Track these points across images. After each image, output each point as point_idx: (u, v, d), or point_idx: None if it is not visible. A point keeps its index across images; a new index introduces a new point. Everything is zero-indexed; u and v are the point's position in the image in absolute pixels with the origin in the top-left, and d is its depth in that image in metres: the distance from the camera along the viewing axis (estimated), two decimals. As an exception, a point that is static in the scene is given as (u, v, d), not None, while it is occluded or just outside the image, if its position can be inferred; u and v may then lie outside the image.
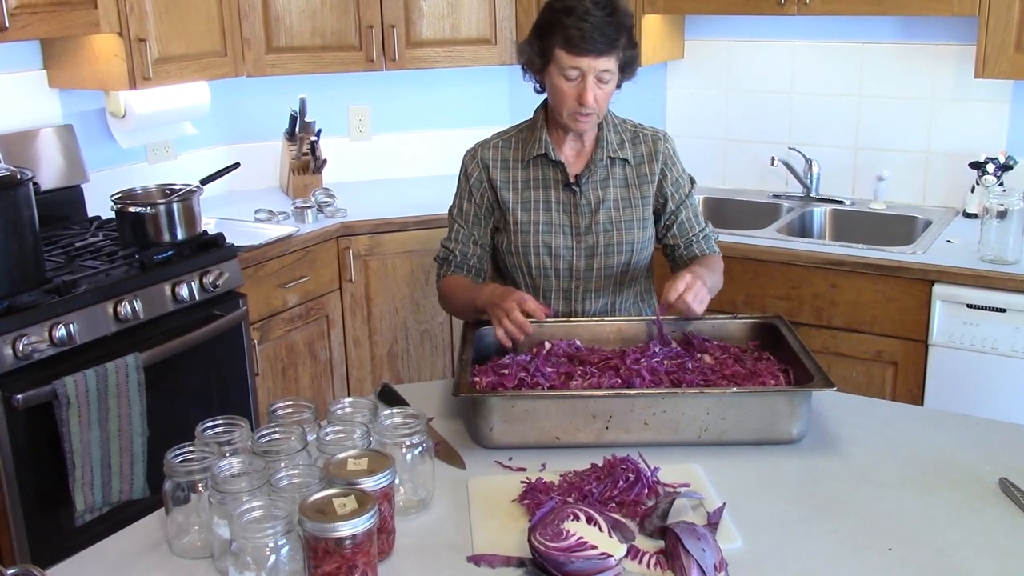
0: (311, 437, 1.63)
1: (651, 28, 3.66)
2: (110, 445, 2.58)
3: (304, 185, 3.82)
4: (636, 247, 2.32)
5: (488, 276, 2.41)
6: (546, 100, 2.30)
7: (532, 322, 2.05)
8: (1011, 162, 3.30)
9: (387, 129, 4.21)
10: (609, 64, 2.15)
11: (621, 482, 1.67)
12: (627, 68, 2.22)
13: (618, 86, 2.29)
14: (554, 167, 2.30)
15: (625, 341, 2.15)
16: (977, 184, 3.36)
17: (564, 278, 2.32)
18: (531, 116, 2.35)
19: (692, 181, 2.41)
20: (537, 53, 2.21)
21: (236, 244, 3.11)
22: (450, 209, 2.41)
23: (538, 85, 2.30)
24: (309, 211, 3.53)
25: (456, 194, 2.40)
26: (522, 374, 1.94)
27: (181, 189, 3.05)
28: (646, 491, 1.66)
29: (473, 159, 2.36)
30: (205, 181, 3.14)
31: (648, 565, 1.48)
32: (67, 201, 3.27)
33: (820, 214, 3.67)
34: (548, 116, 2.31)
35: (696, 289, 2.07)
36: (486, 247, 2.38)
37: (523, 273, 2.34)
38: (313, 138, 3.87)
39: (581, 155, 2.31)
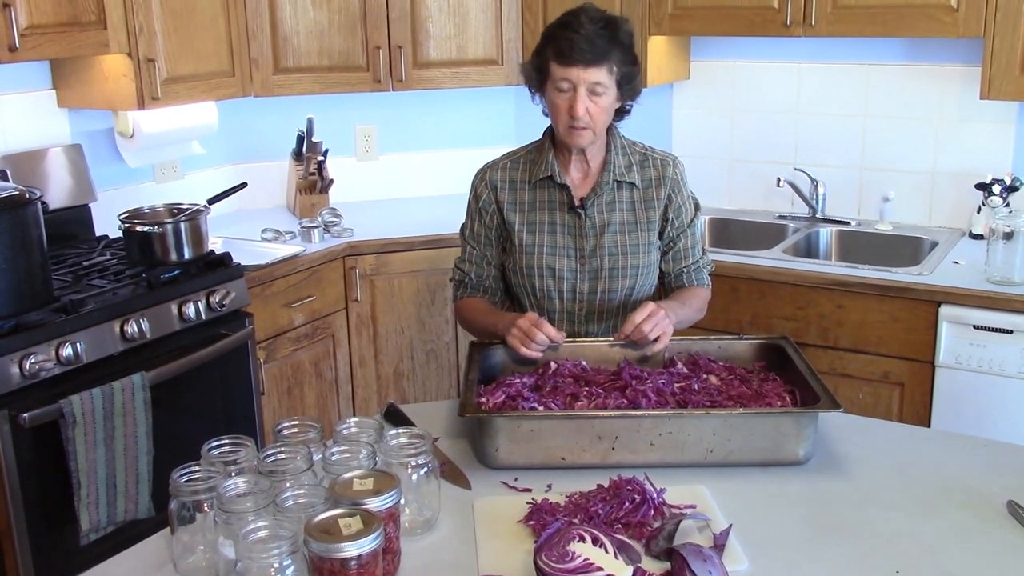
0: (317, 457, 1.63)
1: (657, 49, 3.67)
2: (115, 464, 2.58)
3: (311, 205, 3.83)
4: (641, 271, 2.31)
5: (503, 294, 2.42)
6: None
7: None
8: (1017, 183, 3.30)
9: (394, 149, 4.23)
10: (600, 76, 2.15)
11: (627, 503, 1.67)
12: (625, 85, 2.22)
13: (627, 111, 2.30)
14: (560, 189, 2.30)
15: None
16: (983, 205, 3.35)
17: (568, 300, 2.32)
18: (540, 137, 2.36)
19: (696, 208, 2.40)
20: (535, 68, 2.24)
21: (243, 263, 3.12)
22: (462, 229, 2.43)
23: (544, 107, 2.31)
24: (316, 231, 3.54)
25: (467, 215, 2.41)
26: (530, 399, 1.95)
27: (188, 208, 3.06)
28: (652, 512, 1.66)
29: (482, 180, 2.37)
30: (212, 200, 3.15)
31: (654, 587, 1.47)
32: (75, 220, 3.29)
33: (826, 235, 3.67)
34: (555, 138, 2.32)
35: (656, 319, 2.08)
36: (500, 267, 2.39)
37: (528, 294, 2.34)
38: (320, 158, 3.88)
39: (588, 178, 2.32)
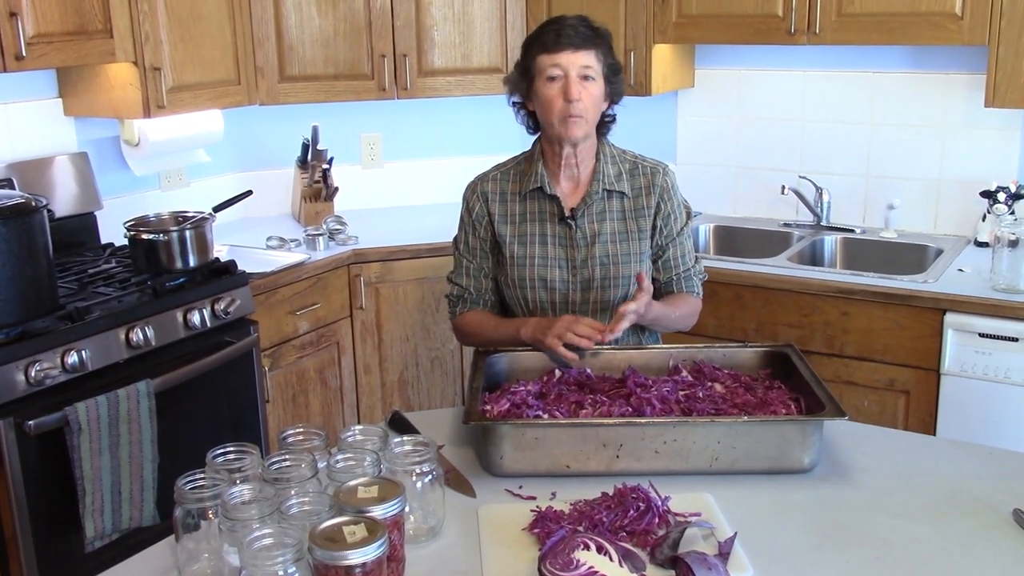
0: (321, 464, 1.63)
1: (662, 57, 3.68)
2: (120, 471, 2.58)
3: (316, 212, 3.84)
4: (633, 281, 2.30)
5: (500, 307, 2.42)
6: (541, 136, 2.32)
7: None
8: (1022, 191, 3.29)
9: (399, 157, 4.24)
10: (589, 60, 2.18)
11: (632, 511, 1.66)
12: (612, 78, 2.24)
13: (612, 119, 2.31)
14: (550, 201, 2.30)
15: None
16: (988, 213, 3.35)
17: (560, 312, 2.29)
18: (529, 148, 2.36)
19: (689, 216, 2.39)
20: (521, 74, 2.26)
21: (248, 271, 3.12)
22: (455, 243, 2.42)
23: (528, 120, 2.32)
24: (320, 238, 3.54)
25: (460, 228, 2.40)
26: (534, 407, 1.94)
27: (194, 216, 3.07)
28: (657, 520, 1.65)
29: (473, 193, 2.37)
30: (218, 208, 3.16)
31: (659, 595, 1.47)
32: (81, 228, 3.30)
33: (831, 242, 3.67)
34: (544, 152, 2.31)
35: (628, 317, 2.08)
36: (495, 279, 2.39)
37: (520, 306, 2.33)
38: (325, 166, 3.89)
39: (578, 188, 2.31)
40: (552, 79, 2.18)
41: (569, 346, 2.08)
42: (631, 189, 2.31)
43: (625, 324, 2.08)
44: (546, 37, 2.19)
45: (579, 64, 2.17)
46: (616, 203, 2.31)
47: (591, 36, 2.19)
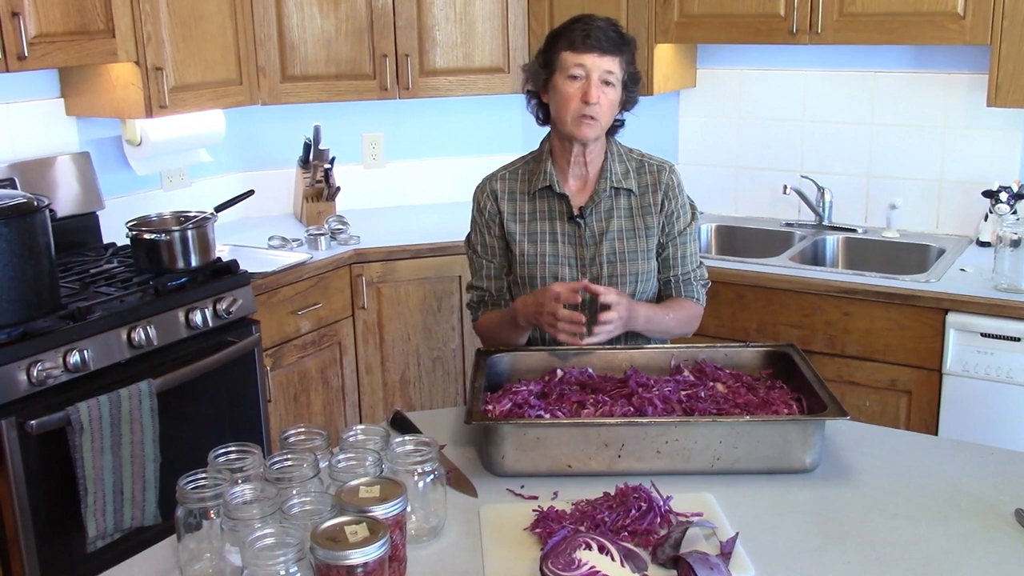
0: (323, 464, 1.63)
1: (663, 57, 3.68)
2: (122, 471, 2.58)
3: (318, 212, 3.84)
4: (641, 278, 2.31)
5: None
6: (550, 132, 2.32)
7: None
8: (1024, 191, 3.30)
9: (400, 157, 4.24)
10: (613, 66, 2.18)
11: (633, 511, 1.66)
12: (631, 86, 2.25)
13: (622, 123, 2.31)
14: (559, 199, 2.30)
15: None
16: (990, 212, 3.35)
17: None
18: (537, 148, 2.36)
19: (694, 216, 2.39)
20: (542, 65, 2.25)
21: (250, 271, 3.12)
22: (470, 246, 2.42)
23: (540, 113, 2.32)
24: (322, 238, 3.54)
25: (473, 230, 2.40)
26: (536, 407, 1.94)
27: (196, 216, 3.07)
28: (658, 520, 1.65)
29: (483, 192, 2.37)
30: (219, 208, 3.16)
31: (660, 595, 1.47)
32: (83, 227, 3.30)
33: (833, 242, 3.67)
34: (553, 148, 2.31)
35: (615, 313, 2.12)
36: None
37: None
38: (327, 165, 3.89)
39: (586, 186, 2.32)
40: (574, 78, 2.19)
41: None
42: (638, 187, 2.32)
43: (608, 318, 2.12)
44: (574, 34, 2.19)
45: (603, 68, 2.17)
46: (623, 200, 2.31)
47: (619, 42, 2.20)
